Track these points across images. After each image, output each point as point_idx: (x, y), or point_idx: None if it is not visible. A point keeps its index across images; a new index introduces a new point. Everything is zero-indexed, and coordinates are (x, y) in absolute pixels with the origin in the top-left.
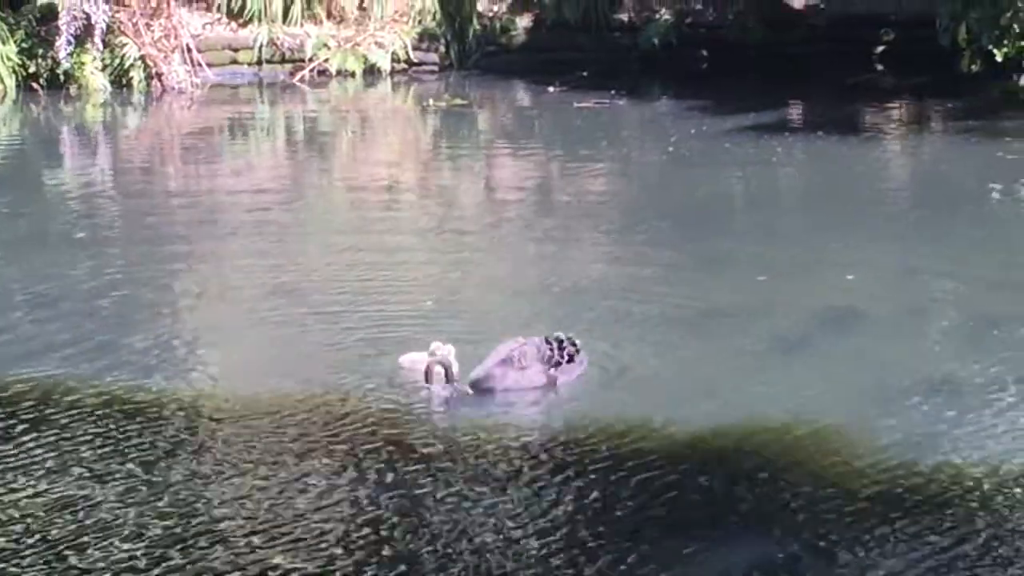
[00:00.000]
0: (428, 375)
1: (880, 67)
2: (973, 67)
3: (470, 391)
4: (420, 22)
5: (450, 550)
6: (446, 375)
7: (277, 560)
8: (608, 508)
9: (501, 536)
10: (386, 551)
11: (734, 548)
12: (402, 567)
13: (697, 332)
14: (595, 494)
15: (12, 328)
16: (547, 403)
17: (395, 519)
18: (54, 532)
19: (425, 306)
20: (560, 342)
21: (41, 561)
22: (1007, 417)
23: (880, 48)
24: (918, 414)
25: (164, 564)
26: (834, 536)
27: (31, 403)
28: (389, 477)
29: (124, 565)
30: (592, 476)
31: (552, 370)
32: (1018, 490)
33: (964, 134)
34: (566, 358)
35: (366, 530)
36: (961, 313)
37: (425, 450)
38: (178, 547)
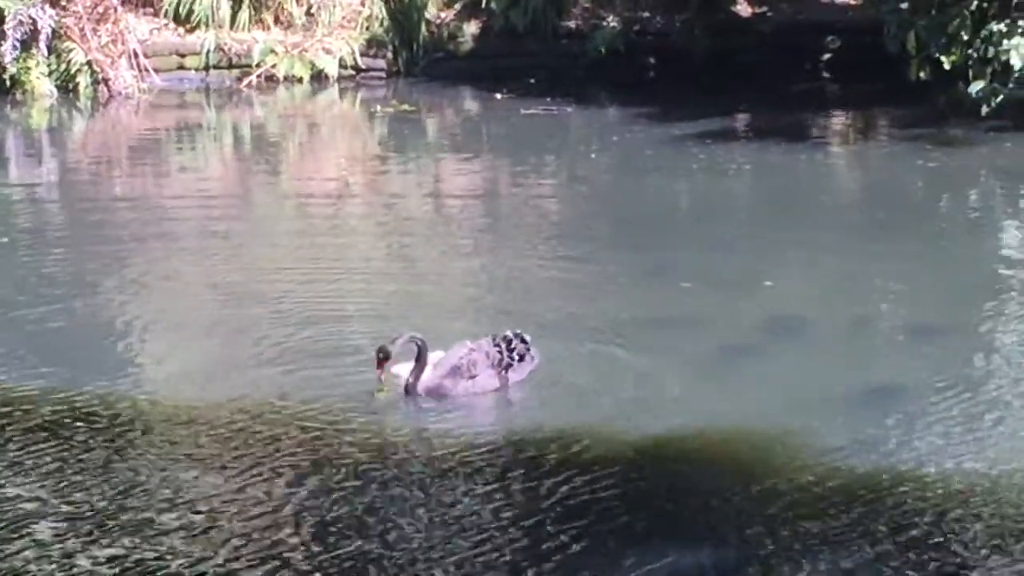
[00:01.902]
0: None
1: (827, 74)
2: (921, 75)
3: (420, 392)
4: (368, 28)
5: (391, 554)
6: (417, 357)
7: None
8: (551, 516)
9: (444, 543)
10: (330, 557)
11: (679, 555)
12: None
13: (646, 338)
14: (539, 502)
15: None
16: (495, 409)
17: (340, 524)
18: None
19: (355, 309)
20: (509, 342)
21: None
22: (945, 423)
23: (827, 55)
24: (860, 421)
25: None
26: (778, 541)
27: None
28: (335, 482)
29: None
30: (537, 484)
31: (503, 372)
32: (958, 493)
33: (907, 142)
34: (517, 358)
35: (307, 534)
36: (901, 321)
37: (368, 456)
38: (109, 549)
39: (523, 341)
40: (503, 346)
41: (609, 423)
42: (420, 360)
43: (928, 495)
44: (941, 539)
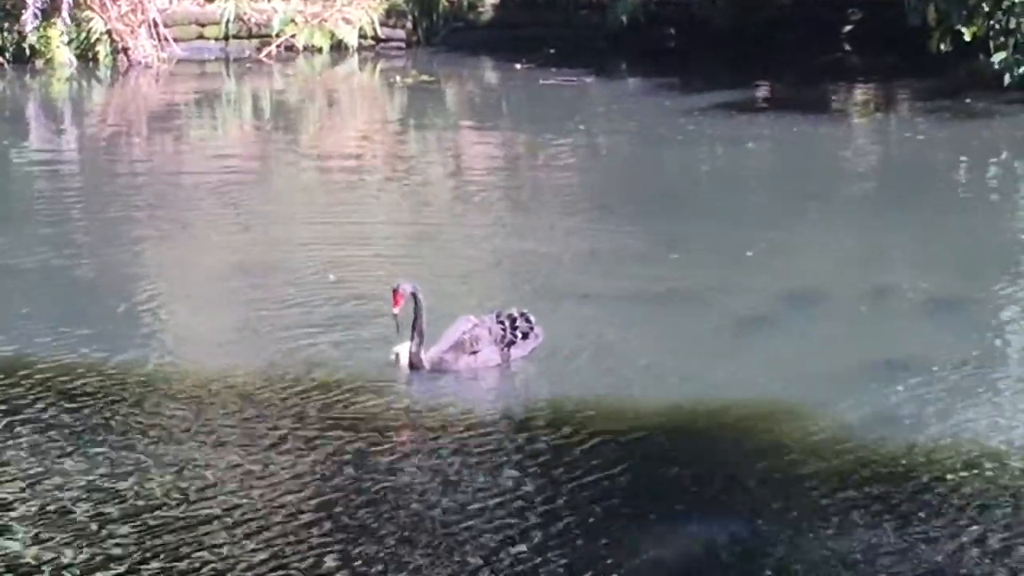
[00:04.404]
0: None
1: (848, 47)
2: (942, 46)
3: (426, 365)
4: None
5: (399, 526)
6: (415, 311)
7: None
8: (562, 487)
9: (452, 514)
10: (338, 529)
11: (687, 529)
12: (354, 544)
13: (656, 311)
14: (547, 473)
15: None
16: (503, 381)
17: (347, 496)
18: None
19: (330, 280)
20: (513, 320)
21: None
22: (964, 396)
23: (848, 27)
24: (878, 394)
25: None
26: (794, 514)
27: None
28: (340, 455)
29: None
30: (545, 456)
31: (505, 349)
32: (976, 465)
33: (928, 114)
34: (520, 336)
35: (316, 507)
36: (919, 293)
37: (374, 430)
38: (129, 519)
39: (527, 320)
40: (507, 323)
41: (617, 397)
42: (417, 314)
43: (946, 467)
44: (959, 511)
